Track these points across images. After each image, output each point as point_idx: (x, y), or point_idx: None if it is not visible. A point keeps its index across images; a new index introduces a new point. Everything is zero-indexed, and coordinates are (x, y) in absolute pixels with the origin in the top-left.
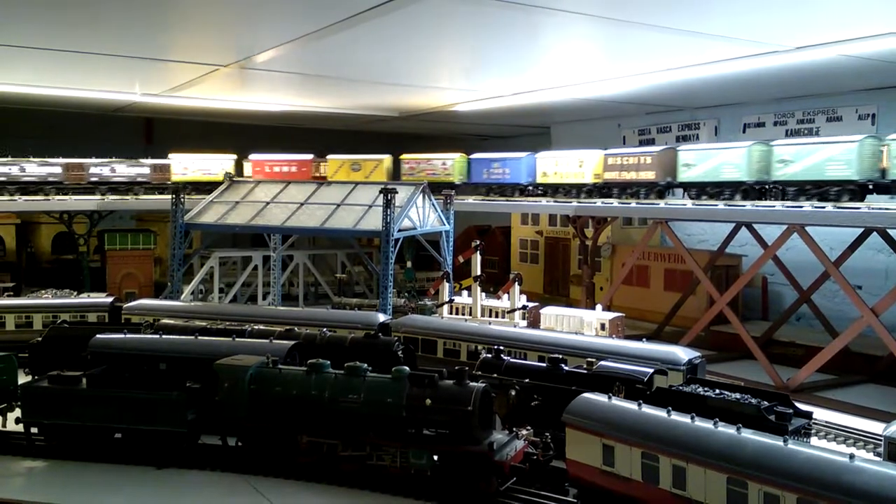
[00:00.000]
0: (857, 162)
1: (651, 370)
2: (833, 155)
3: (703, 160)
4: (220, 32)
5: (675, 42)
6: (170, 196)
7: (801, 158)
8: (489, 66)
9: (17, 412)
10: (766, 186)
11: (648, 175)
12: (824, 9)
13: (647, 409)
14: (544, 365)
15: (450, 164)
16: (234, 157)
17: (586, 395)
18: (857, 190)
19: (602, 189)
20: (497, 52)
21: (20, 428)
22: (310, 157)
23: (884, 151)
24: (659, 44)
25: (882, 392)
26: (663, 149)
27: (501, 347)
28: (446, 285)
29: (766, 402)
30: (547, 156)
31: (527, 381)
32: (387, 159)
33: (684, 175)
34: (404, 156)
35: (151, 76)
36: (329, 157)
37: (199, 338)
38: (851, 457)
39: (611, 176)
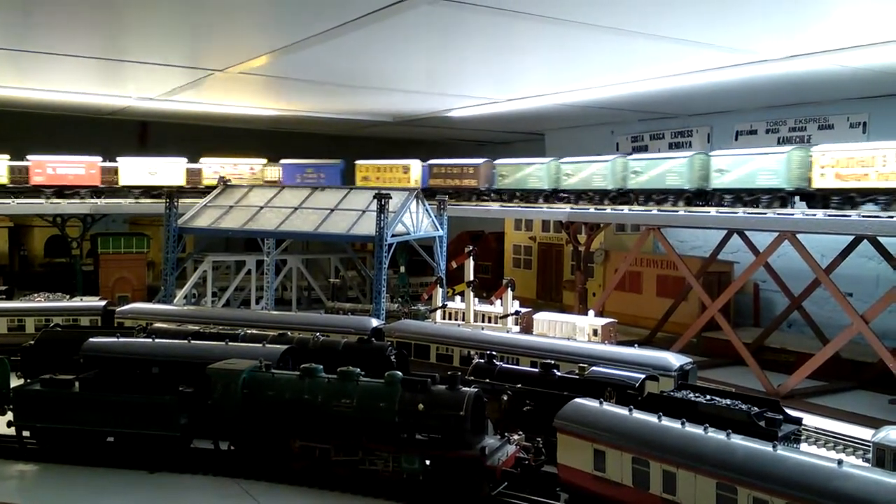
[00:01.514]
0: None
1: (642, 376)
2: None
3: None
4: (216, 37)
5: (668, 50)
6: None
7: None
8: (482, 72)
9: (10, 416)
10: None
11: (472, 182)
12: (816, 18)
13: (638, 415)
14: (536, 370)
15: (257, 168)
16: (8, 157)
17: (578, 400)
18: None
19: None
20: (491, 59)
21: (12, 431)
22: (98, 158)
23: None
24: (652, 52)
25: (871, 399)
26: (484, 161)
27: (494, 353)
28: (439, 290)
29: (756, 408)
30: (369, 163)
31: (519, 386)
32: (182, 162)
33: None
34: (203, 159)
35: (147, 80)
36: (118, 159)
37: (192, 342)
38: (840, 463)
39: (435, 182)
